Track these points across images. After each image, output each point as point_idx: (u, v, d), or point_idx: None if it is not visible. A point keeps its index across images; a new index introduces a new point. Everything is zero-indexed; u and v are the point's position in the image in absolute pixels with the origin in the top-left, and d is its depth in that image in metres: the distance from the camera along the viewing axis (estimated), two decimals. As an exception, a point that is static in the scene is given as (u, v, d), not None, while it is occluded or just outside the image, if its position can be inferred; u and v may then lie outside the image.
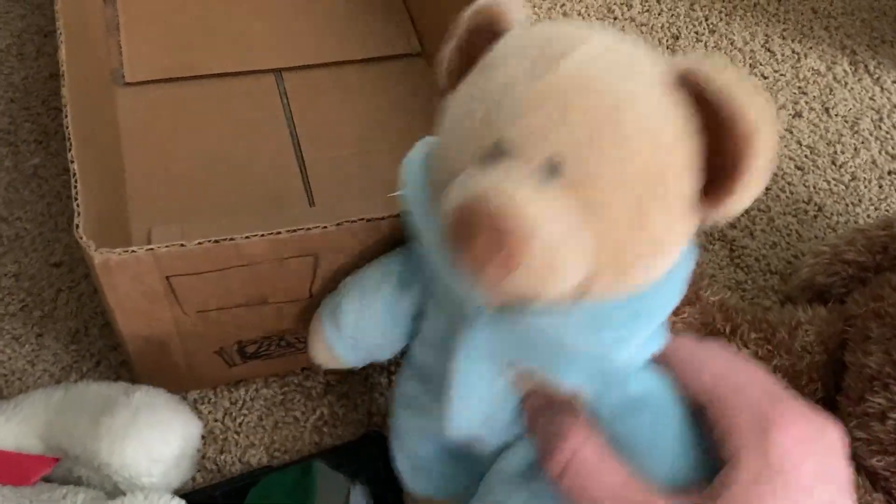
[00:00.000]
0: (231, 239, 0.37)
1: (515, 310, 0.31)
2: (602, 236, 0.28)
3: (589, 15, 0.74)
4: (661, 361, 0.32)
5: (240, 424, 0.47)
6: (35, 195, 0.55)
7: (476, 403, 0.34)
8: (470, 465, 0.39)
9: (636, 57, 0.29)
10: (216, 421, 0.47)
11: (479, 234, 0.27)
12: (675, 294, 0.31)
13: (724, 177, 0.28)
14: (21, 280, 0.52)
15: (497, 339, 0.33)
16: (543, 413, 0.32)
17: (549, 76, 0.28)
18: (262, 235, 0.37)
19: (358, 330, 0.39)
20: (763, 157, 0.27)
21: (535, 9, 0.74)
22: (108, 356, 0.49)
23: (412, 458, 0.41)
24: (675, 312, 0.49)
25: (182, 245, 0.36)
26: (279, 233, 0.38)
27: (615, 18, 0.75)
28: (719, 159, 0.28)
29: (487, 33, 0.33)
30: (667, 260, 0.30)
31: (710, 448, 0.30)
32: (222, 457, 0.46)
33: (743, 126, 0.26)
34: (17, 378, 0.48)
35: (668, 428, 0.31)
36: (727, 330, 0.49)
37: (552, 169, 0.28)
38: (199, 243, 0.37)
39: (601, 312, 0.30)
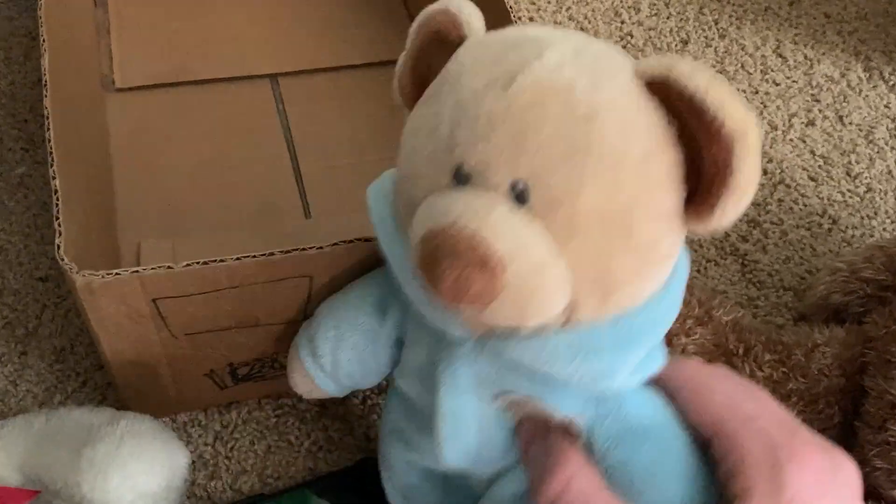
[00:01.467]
0: (221, 260, 0.35)
1: (498, 339, 0.29)
2: (580, 262, 0.26)
3: (595, 19, 0.72)
4: (666, 388, 0.31)
5: (231, 449, 0.45)
6: (21, 206, 0.53)
7: (466, 436, 0.32)
8: (462, 495, 0.38)
9: (604, 61, 0.27)
10: (206, 445, 0.45)
11: (450, 267, 0.25)
12: (668, 312, 0.29)
13: (708, 187, 0.25)
14: (4, 295, 0.50)
15: (482, 370, 0.31)
16: (537, 441, 0.31)
17: (508, 92, 0.26)
18: (254, 257, 0.35)
19: (336, 360, 0.38)
20: (749, 163, 0.24)
21: (540, 12, 0.72)
22: (95, 376, 0.47)
23: (402, 488, 0.39)
24: (687, 333, 0.47)
25: (169, 267, 0.34)
26: (272, 254, 0.36)
27: (622, 22, 0.73)
28: (702, 168, 0.25)
29: (443, 45, 0.30)
30: (653, 280, 0.28)
31: (717, 482, 0.28)
32: (213, 483, 0.44)
33: (725, 129, 0.24)
34: (-1, 399, 0.46)
35: (670, 458, 0.29)
36: (740, 351, 0.47)
37: (519, 195, 0.25)
38: (188, 265, 0.35)
39: (588, 340, 0.28)
